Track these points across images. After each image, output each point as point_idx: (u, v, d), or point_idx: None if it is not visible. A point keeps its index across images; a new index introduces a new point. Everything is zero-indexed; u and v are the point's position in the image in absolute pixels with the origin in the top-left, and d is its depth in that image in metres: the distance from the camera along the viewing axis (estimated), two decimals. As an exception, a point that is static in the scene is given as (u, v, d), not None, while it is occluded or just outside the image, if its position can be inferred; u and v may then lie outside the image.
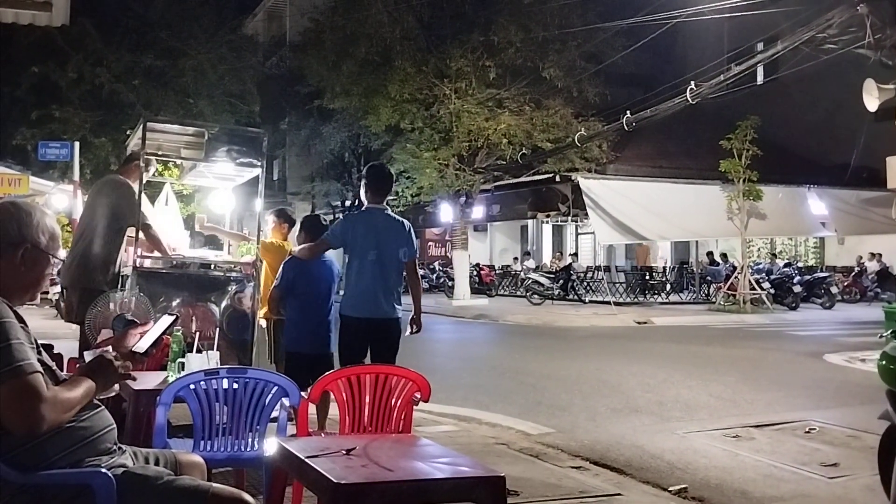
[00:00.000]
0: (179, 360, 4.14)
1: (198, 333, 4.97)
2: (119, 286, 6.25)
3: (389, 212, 5.82)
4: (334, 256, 6.30)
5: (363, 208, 5.79)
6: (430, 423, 6.83)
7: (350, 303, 5.54)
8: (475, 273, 28.39)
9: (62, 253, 2.71)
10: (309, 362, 5.38)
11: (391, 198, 24.56)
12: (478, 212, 28.00)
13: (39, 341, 2.60)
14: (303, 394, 3.78)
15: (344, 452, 2.84)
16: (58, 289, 17.35)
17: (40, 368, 2.38)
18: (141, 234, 6.36)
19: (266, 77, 30.14)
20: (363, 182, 5.83)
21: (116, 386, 2.89)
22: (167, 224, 7.25)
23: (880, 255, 25.61)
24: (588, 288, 25.97)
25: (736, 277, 21.69)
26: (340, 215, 32.96)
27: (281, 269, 5.90)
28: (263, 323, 6.95)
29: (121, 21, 24.46)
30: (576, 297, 24.88)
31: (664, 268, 27.47)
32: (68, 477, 2.46)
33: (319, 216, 6.59)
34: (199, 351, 4.34)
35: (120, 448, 2.68)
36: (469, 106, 21.57)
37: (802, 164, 26.04)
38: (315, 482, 2.69)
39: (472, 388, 9.34)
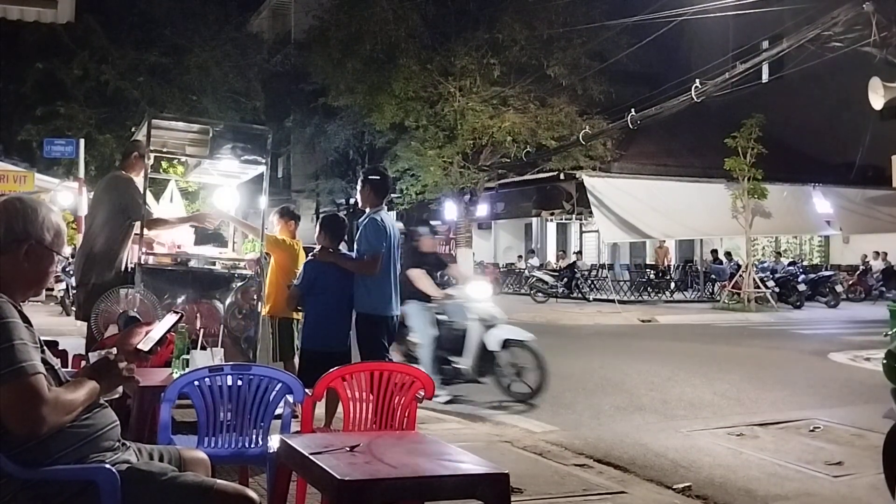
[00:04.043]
0: (184, 356, 4.14)
1: (202, 330, 4.98)
2: (127, 282, 6.25)
3: (388, 213, 6.08)
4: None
5: (373, 211, 5.89)
6: (433, 421, 6.83)
7: (372, 301, 5.78)
8: (479, 271, 28.37)
9: (67, 250, 2.71)
10: (325, 359, 5.40)
11: (395, 196, 24.65)
12: (482, 210, 28.03)
13: (44, 338, 2.60)
14: (307, 391, 3.79)
15: (348, 449, 2.84)
16: (62, 286, 17.48)
17: (43, 369, 2.38)
18: (146, 230, 6.37)
19: (270, 74, 30.17)
20: (366, 186, 5.97)
21: (121, 387, 2.89)
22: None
23: (885, 253, 25.57)
24: (592, 286, 25.97)
25: (740, 276, 21.65)
26: (344, 213, 33.04)
27: (302, 268, 6.02)
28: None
29: (126, 18, 24.52)
30: (580, 295, 24.87)
31: (668, 266, 27.45)
32: (72, 473, 2.47)
33: (338, 215, 6.68)
34: (203, 348, 4.35)
35: (124, 444, 2.69)
36: (473, 104, 21.56)
37: (807, 162, 26.00)
38: (319, 479, 2.69)
39: (475, 385, 9.32)
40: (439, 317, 8.25)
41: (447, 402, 7.89)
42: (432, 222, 9.77)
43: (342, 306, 5.80)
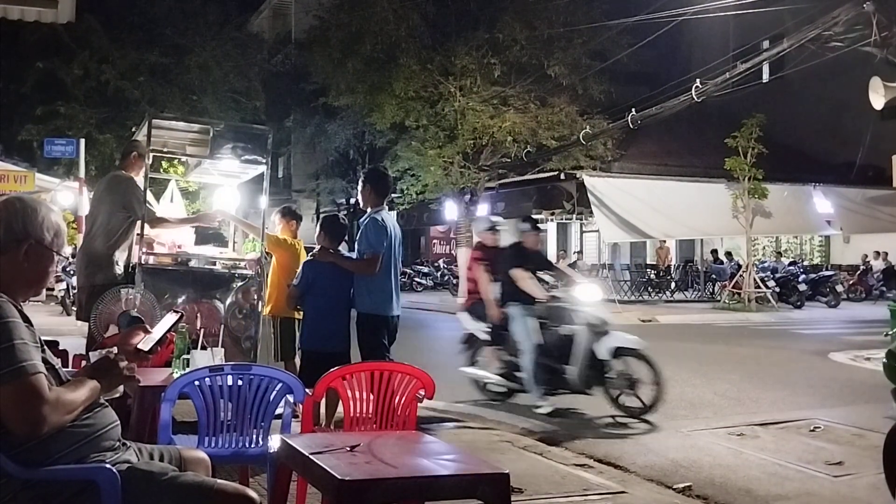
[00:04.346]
0: (184, 356, 4.14)
1: (202, 330, 4.98)
2: (128, 282, 6.25)
3: (389, 212, 6.07)
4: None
5: (374, 210, 5.88)
6: (434, 421, 6.83)
7: (372, 301, 5.77)
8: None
9: (67, 250, 2.72)
10: (325, 360, 5.40)
11: (396, 195, 24.62)
12: (482, 209, 27.97)
13: (44, 338, 2.60)
14: (308, 391, 3.79)
15: (348, 449, 2.84)
16: (63, 285, 17.49)
17: (43, 369, 2.38)
18: (147, 229, 6.37)
19: (271, 74, 30.19)
20: (366, 186, 5.97)
21: (122, 387, 2.89)
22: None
23: (886, 253, 25.56)
24: (592, 286, 25.91)
25: (741, 276, 21.65)
26: (345, 213, 33.06)
27: (301, 269, 6.01)
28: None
29: (126, 18, 24.54)
30: (580, 294, 24.82)
31: (669, 266, 27.44)
32: (73, 473, 2.47)
33: (338, 216, 6.66)
34: (203, 348, 4.35)
35: (124, 444, 2.69)
36: (474, 103, 21.54)
37: (808, 162, 26.00)
38: (319, 478, 2.69)
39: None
40: (544, 321, 7.72)
41: (549, 414, 7.44)
42: (534, 216, 9.32)
43: (341, 306, 5.79)
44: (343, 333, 5.78)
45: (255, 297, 6.63)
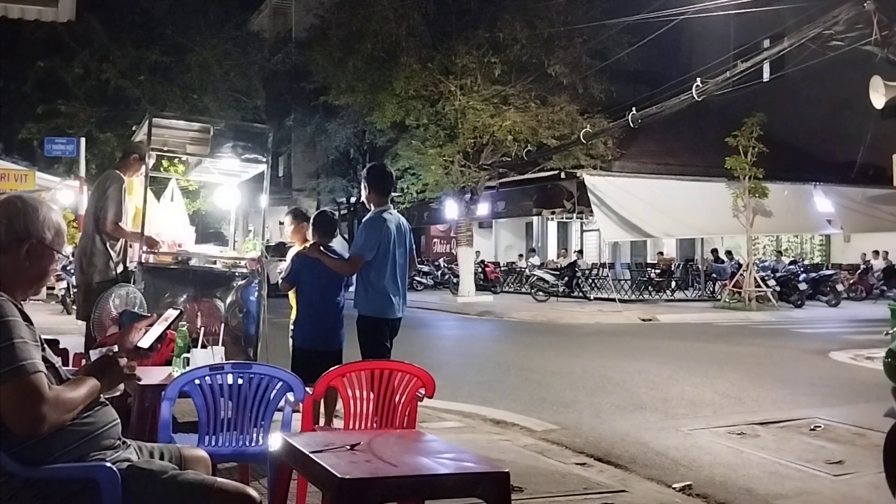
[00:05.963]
0: (184, 355, 4.14)
1: (203, 329, 4.98)
2: (125, 281, 6.25)
3: (393, 211, 5.89)
4: (343, 251, 6.32)
5: (377, 210, 5.76)
6: (434, 419, 6.83)
7: (371, 303, 5.66)
8: (480, 270, 28.40)
9: (67, 249, 2.72)
10: (316, 359, 5.39)
11: (396, 195, 24.58)
12: (483, 209, 28.01)
13: (45, 337, 2.60)
14: (308, 389, 3.79)
15: (348, 448, 2.84)
16: (63, 284, 17.50)
17: (43, 368, 2.38)
18: (148, 229, 6.37)
19: (271, 73, 30.21)
20: (366, 184, 5.86)
21: (122, 385, 2.89)
22: (172, 220, 7.25)
23: (886, 252, 25.56)
24: (593, 285, 25.96)
25: (741, 275, 21.65)
26: (345, 212, 33.08)
27: (290, 261, 5.98)
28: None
29: (126, 17, 24.58)
30: (581, 294, 24.87)
31: (670, 265, 27.46)
32: (73, 471, 2.46)
33: (327, 212, 6.54)
34: (203, 346, 4.35)
35: (125, 443, 2.68)
36: (474, 102, 21.55)
37: (808, 161, 26.00)
38: (319, 477, 2.69)
39: (476, 384, 9.34)
40: None
41: None
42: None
43: (331, 305, 5.76)
44: (335, 332, 5.75)
45: (255, 296, 6.62)
